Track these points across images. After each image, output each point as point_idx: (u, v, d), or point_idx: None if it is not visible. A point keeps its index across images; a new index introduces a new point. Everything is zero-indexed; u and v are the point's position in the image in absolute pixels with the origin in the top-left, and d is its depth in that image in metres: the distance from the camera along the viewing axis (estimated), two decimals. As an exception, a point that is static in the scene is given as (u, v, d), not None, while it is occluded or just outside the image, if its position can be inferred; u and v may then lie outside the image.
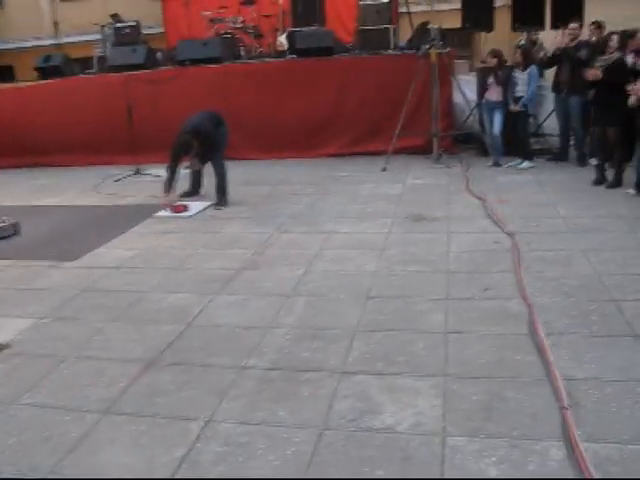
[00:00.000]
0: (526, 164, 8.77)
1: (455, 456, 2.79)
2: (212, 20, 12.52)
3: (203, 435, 3.07)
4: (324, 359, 3.74)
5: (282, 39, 12.12)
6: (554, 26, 9.78)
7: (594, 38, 8.64)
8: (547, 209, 6.64)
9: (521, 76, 8.74)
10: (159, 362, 3.84)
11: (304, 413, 3.20)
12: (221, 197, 7.84)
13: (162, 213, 7.51)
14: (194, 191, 8.31)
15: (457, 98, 10.06)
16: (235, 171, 9.32)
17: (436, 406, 3.18)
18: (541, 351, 3.60)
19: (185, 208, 7.55)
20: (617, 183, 7.33)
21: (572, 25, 8.64)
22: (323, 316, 4.36)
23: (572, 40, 8.55)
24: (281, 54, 11.64)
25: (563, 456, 2.72)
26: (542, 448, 2.79)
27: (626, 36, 7.57)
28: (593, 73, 7.34)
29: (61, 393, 3.56)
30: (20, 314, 4.73)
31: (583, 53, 8.20)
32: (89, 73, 12.15)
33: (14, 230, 7.00)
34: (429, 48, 9.30)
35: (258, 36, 13.06)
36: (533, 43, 10.63)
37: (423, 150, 9.81)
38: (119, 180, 9.79)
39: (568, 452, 2.73)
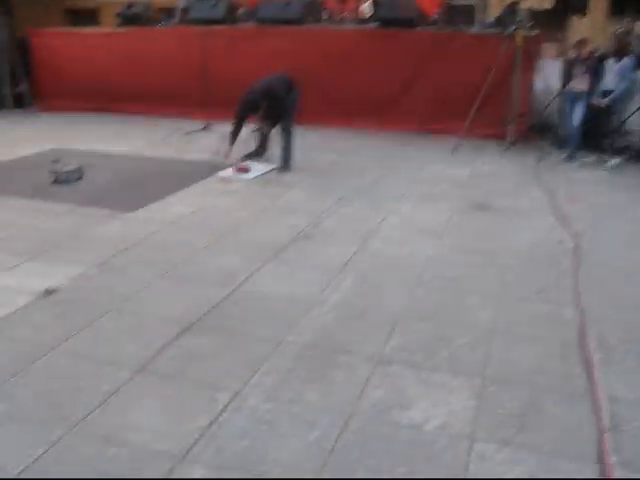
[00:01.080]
0: (614, 162, 8.32)
1: (481, 464, 2.70)
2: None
3: (230, 406, 3.05)
4: (362, 344, 3.67)
5: (366, 6, 11.92)
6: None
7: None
8: (618, 212, 6.35)
9: (613, 67, 8.33)
10: (198, 325, 3.84)
11: (333, 397, 3.15)
12: (285, 162, 7.80)
13: (224, 173, 7.51)
14: (259, 153, 8.28)
15: (538, 84, 9.70)
16: (303, 137, 9.25)
17: (469, 408, 3.08)
18: (588, 365, 3.44)
19: (248, 169, 7.53)
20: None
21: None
22: (369, 298, 4.28)
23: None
24: (363, 21, 11.45)
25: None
26: (573, 469, 2.67)
27: None
28: None
29: (99, 346, 3.60)
30: (72, 261, 4.80)
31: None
32: (169, 24, 12.19)
33: (80, 175, 7.10)
34: (515, 29, 8.98)
35: (342, 0, 12.85)
36: (627, 33, 10.16)
37: (496, 136, 9.51)
38: (188, 134, 9.84)
39: (600, 477, 2.61)
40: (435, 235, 5.54)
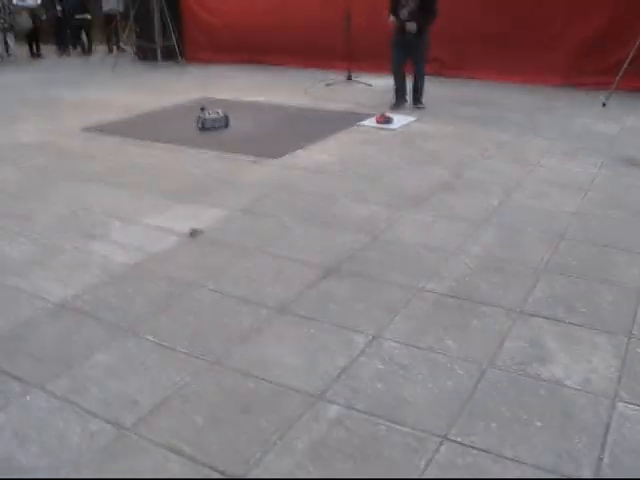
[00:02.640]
0: None
1: (623, 424, 2.56)
2: None
3: (367, 350, 3.06)
4: (503, 295, 3.57)
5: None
6: None
7: None
8: None
9: None
10: (338, 270, 3.87)
11: (472, 346, 3.09)
12: (420, 96, 7.97)
13: (366, 122, 7.49)
14: (399, 102, 8.22)
15: None
16: (444, 88, 9.08)
17: (613, 366, 2.93)
18: None
19: (389, 119, 7.46)
20: None
21: None
22: (511, 250, 4.15)
23: None
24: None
25: None
26: None
27: None
28: None
29: (242, 285, 3.70)
30: (218, 204, 4.95)
31: None
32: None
33: (225, 122, 7.29)
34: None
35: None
36: None
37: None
38: (330, 85, 9.86)
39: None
40: (581, 190, 5.27)
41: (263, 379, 2.85)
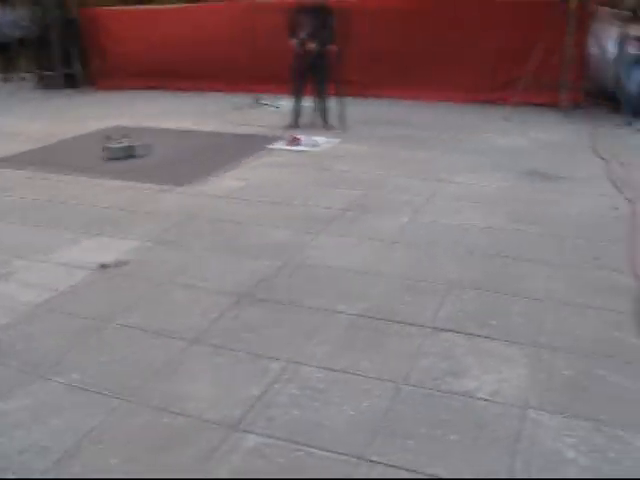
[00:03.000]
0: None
1: (533, 431, 2.65)
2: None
3: (283, 376, 3.06)
4: (416, 312, 3.64)
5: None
6: None
7: None
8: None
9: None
10: (252, 296, 3.86)
11: (387, 366, 3.13)
12: (326, 116, 8.30)
13: (277, 145, 7.52)
14: (293, 123, 8.36)
15: (594, 49, 9.41)
16: (356, 108, 9.21)
17: (522, 376, 3.03)
18: (645, 332, 3.36)
19: (300, 141, 7.52)
20: None
21: None
22: (421, 268, 4.24)
23: None
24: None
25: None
26: (629, 436, 2.60)
27: None
28: None
29: (154, 317, 3.65)
30: (127, 236, 4.87)
31: None
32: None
33: (132, 151, 7.18)
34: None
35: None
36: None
37: (551, 103, 9.28)
38: (239, 108, 9.87)
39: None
40: (489, 204, 5.45)
41: (179, 414, 2.81)
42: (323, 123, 8.37)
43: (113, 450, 2.60)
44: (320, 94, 8.33)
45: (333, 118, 8.42)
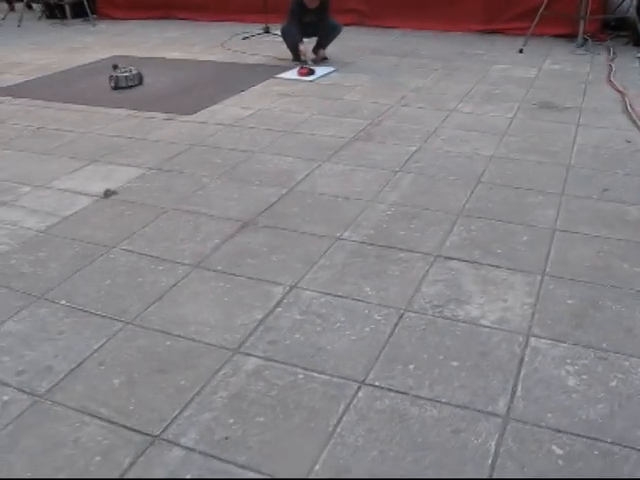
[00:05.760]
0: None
1: (535, 358, 2.64)
2: None
3: (285, 300, 3.06)
4: (420, 240, 3.61)
5: None
6: None
7: None
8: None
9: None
10: (255, 223, 3.84)
11: (390, 292, 3.12)
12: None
13: (284, 75, 7.39)
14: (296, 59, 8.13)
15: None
16: (364, 39, 9.04)
17: (527, 304, 3.01)
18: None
19: (308, 71, 7.37)
20: None
21: None
22: (428, 196, 4.19)
23: None
24: None
25: (653, 376, 2.52)
26: (630, 365, 2.58)
27: None
28: None
29: (158, 243, 3.64)
30: (131, 163, 4.83)
31: None
32: None
33: (139, 80, 7.08)
34: None
35: None
36: None
37: (567, 35, 9.03)
38: (247, 38, 9.67)
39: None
40: (498, 134, 5.35)
41: (180, 337, 2.82)
42: (322, 55, 8.10)
43: (115, 371, 2.61)
44: (328, 31, 8.01)
45: (334, 50, 8.22)
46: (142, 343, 2.79)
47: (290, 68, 7.58)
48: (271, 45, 8.97)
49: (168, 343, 2.78)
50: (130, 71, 7.08)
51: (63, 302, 3.10)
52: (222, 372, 2.59)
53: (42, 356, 2.71)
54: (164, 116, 5.96)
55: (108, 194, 4.26)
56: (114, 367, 2.64)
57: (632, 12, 8.82)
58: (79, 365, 2.65)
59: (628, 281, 3.20)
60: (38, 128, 5.74)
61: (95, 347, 2.76)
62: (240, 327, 2.87)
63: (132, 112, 6.11)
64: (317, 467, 2.15)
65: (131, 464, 2.17)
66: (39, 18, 12.28)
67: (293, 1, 7.66)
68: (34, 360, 2.69)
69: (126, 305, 3.06)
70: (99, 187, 4.37)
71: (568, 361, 2.63)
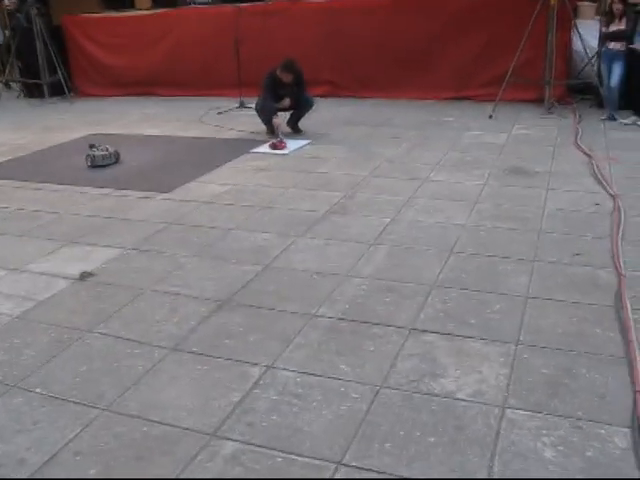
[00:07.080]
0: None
1: (512, 431, 2.66)
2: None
3: (262, 381, 3.06)
4: (395, 313, 3.65)
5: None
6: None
7: None
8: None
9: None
10: (232, 302, 3.87)
11: (365, 368, 3.14)
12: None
13: (259, 149, 7.52)
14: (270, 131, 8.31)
15: (576, 45, 9.44)
16: (338, 110, 9.25)
17: (502, 375, 3.04)
18: (624, 328, 3.37)
19: (282, 145, 7.51)
20: None
21: None
22: (402, 268, 4.25)
23: None
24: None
25: (627, 445, 2.54)
26: (606, 433, 2.62)
27: None
28: None
29: (134, 325, 3.64)
30: (109, 243, 4.86)
31: None
32: (203, 3, 12.19)
33: (115, 158, 7.18)
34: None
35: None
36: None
37: (535, 99, 9.33)
38: (222, 113, 9.86)
39: (634, 441, 2.56)
40: (470, 202, 5.47)
41: (157, 422, 2.81)
42: (297, 128, 8.32)
43: (91, 461, 2.59)
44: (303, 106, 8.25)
45: (308, 122, 8.41)
46: (118, 430, 2.77)
47: (265, 142, 7.73)
48: (246, 119, 9.13)
49: (145, 429, 2.77)
50: (107, 149, 7.18)
51: (38, 390, 3.08)
52: (199, 458, 2.58)
53: (15, 449, 2.69)
54: (141, 194, 6.02)
55: (84, 276, 4.28)
56: (90, 456, 2.62)
57: (594, 77, 9.10)
58: (53, 456, 2.63)
59: (601, 346, 3.25)
60: (14, 210, 5.77)
61: (70, 436, 2.74)
62: (217, 410, 2.87)
63: (109, 191, 6.18)
64: None
65: None
66: (17, 97, 12.44)
67: (267, 76, 7.89)
68: (6, 454, 2.66)
69: (102, 391, 3.06)
70: (76, 269, 4.39)
71: (544, 432, 2.65)
